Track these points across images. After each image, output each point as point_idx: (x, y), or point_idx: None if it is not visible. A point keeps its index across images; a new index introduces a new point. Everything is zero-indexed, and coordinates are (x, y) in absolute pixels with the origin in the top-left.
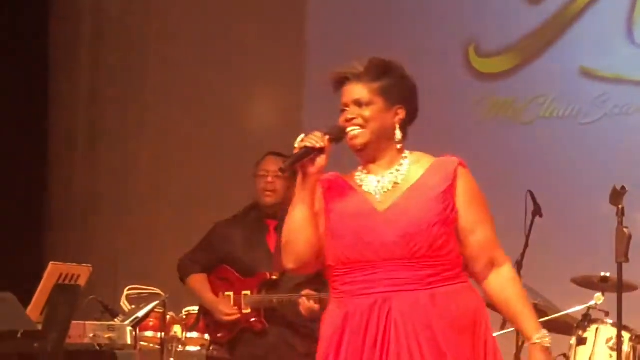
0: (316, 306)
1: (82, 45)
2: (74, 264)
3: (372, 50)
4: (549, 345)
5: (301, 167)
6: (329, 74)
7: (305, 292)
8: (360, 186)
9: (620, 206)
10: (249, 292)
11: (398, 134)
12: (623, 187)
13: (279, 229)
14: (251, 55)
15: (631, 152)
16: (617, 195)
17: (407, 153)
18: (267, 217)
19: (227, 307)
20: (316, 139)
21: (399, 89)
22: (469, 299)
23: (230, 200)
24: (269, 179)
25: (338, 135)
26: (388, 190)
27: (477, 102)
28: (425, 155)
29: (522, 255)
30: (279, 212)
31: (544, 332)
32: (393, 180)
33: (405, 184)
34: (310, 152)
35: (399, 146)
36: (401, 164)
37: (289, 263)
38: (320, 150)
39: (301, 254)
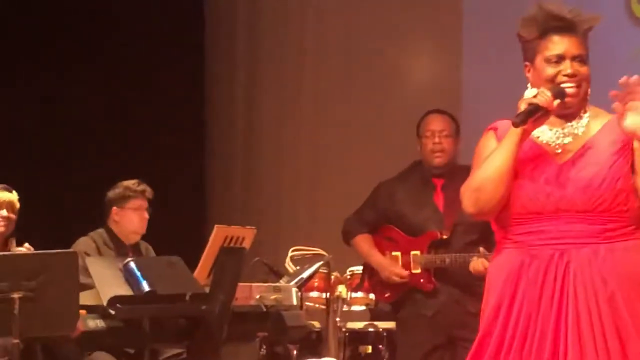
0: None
1: (239, 36)
2: (239, 227)
3: (528, 5)
4: None
5: (528, 123)
6: (553, 14)
7: (481, 250)
8: (537, 137)
9: None
10: (418, 252)
11: (589, 92)
12: None
13: (446, 187)
14: (409, 14)
15: None
16: None
17: (589, 107)
18: (434, 175)
19: (398, 267)
20: (547, 99)
21: None
22: None
23: (391, 159)
24: (436, 139)
25: (561, 98)
26: (568, 142)
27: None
28: (602, 111)
29: None
30: (446, 170)
31: None
32: (573, 132)
33: (584, 137)
34: (539, 110)
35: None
36: (581, 117)
37: (472, 207)
38: (547, 112)
39: (491, 204)
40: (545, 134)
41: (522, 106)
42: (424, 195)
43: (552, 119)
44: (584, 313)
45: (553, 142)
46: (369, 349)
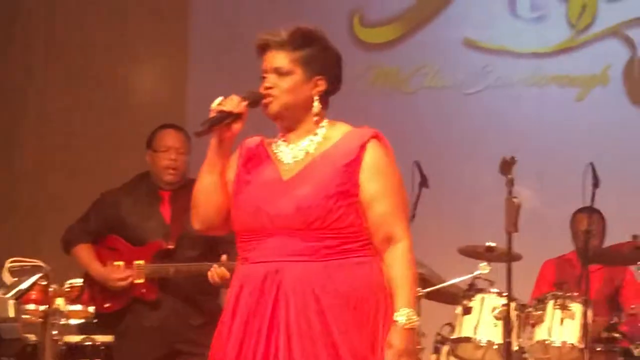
0: (227, 273)
1: None
2: None
3: (255, 18)
4: (409, 326)
5: (217, 131)
6: (255, 39)
7: (223, 258)
8: (276, 154)
9: (509, 176)
10: (142, 262)
11: (316, 106)
12: (512, 158)
13: (173, 199)
14: (134, 25)
15: (513, 123)
16: (506, 166)
17: (325, 123)
18: (161, 188)
19: (118, 273)
20: (234, 104)
21: (321, 59)
22: (367, 273)
23: (116, 170)
24: (172, 156)
25: (254, 101)
26: (299, 159)
27: (362, 73)
28: (344, 125)
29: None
30: (175, 184)
31: (408, 312)
32: (305, 150)
33: (316, 154)
34: (228, 117)
35: (315, 118)
36: (316, 134)
37: (197, 224)
38: (237, 116)
39: (208, 218)
40: (283, 151)
41: (212, 115)
42: (150, 207)
43: (292, 135)
44: (295, 329)
45: (286, 158)
46: None
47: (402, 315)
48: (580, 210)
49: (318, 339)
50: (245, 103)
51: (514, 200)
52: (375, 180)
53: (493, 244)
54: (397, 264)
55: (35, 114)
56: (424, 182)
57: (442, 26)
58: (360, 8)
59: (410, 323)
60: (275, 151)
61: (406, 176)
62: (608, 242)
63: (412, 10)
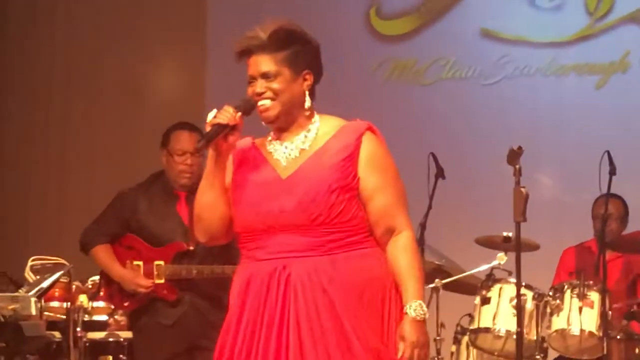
0: None
1: None
2: None
3: (273, 10)
4: (420, 318)
5: (214, 144)
6: (234, 45)
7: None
8: (271, 154)
9: (517, 166)
10: (162, 262)
11: (308, 101)
12: (520, 147)
13: (190, 199)
14: (152, 22)
15: (531, 113)
16: (513, 156)
17: (316, 118)
18: (176, 188)
19: (141, 278)
20: (229, 116)
21: (304, 54)
22: (373, 265)
23: (136, 168)
24: (188, 161)
25: (248, 110)
26: (295, 156)
27: (379, 65)
28: (335, 119)
29: (426, 217)
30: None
31: (418, 304)
32: (300, 147)
33: (312, 150)
34: (224, 129)
35: (307, 113)
36: (309, 130)
37: (201, 237)
38: (233, 127)
39: (213, 230)
40: (278, 150)
41: (208, 129)
42: (166, 206)
43: (286, 134)
44: (305, 323)
45: (282, 157)
46: (110, 358)
47: (413, 307)
48: (601, 196)
49: (328, 332)
50: (239, 114)
51: (522, 190)
52: (374, 173)
53: (510, 234)
54: (403, 254)
55: (58, 115)
56: (440, 173)
57: (459, 17)
58: (377, 0)
59: (421, 315)
60: (270, 151)
61: (422, 167)
62: (627, 229)
63: (429, 2)
